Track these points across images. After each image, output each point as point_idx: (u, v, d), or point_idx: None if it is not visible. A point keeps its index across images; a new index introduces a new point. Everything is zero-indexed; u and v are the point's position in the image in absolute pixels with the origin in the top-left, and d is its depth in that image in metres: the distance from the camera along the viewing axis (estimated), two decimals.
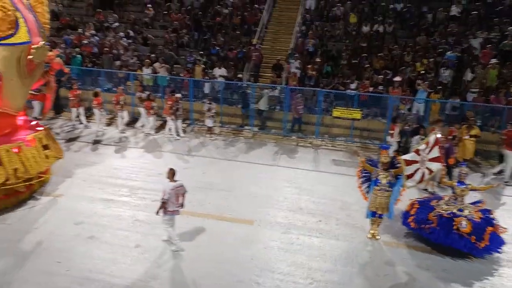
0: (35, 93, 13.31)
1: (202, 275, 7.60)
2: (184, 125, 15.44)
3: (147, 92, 15.31)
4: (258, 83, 16.74)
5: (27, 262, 7.75)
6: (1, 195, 9.31)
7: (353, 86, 15.65)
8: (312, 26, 19.16)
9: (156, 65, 17.05)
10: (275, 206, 10.19)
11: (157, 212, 7.95)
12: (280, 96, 16.36)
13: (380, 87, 15.58)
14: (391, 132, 13.12)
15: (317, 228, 9.29)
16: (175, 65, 18.09)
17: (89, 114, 15.79)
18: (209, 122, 14.70)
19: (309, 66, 16.64)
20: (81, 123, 15.38)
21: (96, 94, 14.80)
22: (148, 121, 14.90)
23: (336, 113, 14.67)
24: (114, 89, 17.22)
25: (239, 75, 16.75)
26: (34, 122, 11.01)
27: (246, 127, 15.94)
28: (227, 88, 16.72)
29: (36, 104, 14.99)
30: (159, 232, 8.64)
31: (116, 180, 11.15)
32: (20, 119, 10.49)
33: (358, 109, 14.59)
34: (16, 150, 9.35)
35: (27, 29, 8.65)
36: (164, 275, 7.59)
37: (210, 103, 14.55)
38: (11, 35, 8.39)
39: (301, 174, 12.14)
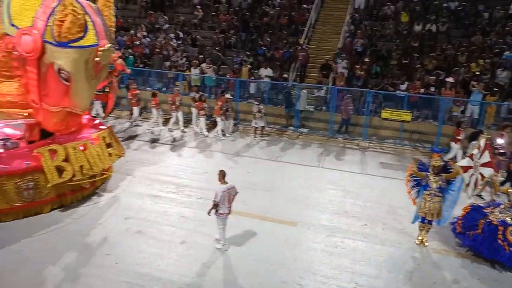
0: (98, 93, 13.97)
1: (246, 274, 7.68)
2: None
3: (200, 93, 15.63)
4: (303, 83, 16.66)
5: (85, 255, 8.11)
6: (68, 191, 9.79)
7: (403, 87, 15.21)
8: (361, 26, 18.83)
9: (204, 65, 17.38)
10: (319, 208, 10.12)
11: (209, 213, 8.05)
12: (326, 97, 16.20)
13: (432, 88, 15.03)
14: (458, 137, 12.45)
15: (363, 232, 9.13)
16: (222, 66, 18.38)
17: (143, 114, 16.34)
18: (259, 123, 14.77)
19: (357, 66, 16.36)
20: (134, 121, 15.95)
21: (154, 95, 15.24)
22: (199, 121, 15.20)
23: (385, 114, 14.32)
24: (164, 89, 17.75)
25: (285, 75, 16.75)
26: (97, 121, 11.57)
27: (291, 128, 15.92)
28: (273, 88, 16.76)
29: (97, 103, 15.71)
30: (204, 230, 8.85)
31: (164, 177, 11.48)
32: (85, 118, 11.05)
33: (408, 111, 14.16)
34: (82, 147, 9.82)
35: (95, 32, 8.91)
36: (209, 272, 7.72)
37: (258, 104, 14.65)
38: (80, 38, 8.66)
39: (346, 177, 11.99)
